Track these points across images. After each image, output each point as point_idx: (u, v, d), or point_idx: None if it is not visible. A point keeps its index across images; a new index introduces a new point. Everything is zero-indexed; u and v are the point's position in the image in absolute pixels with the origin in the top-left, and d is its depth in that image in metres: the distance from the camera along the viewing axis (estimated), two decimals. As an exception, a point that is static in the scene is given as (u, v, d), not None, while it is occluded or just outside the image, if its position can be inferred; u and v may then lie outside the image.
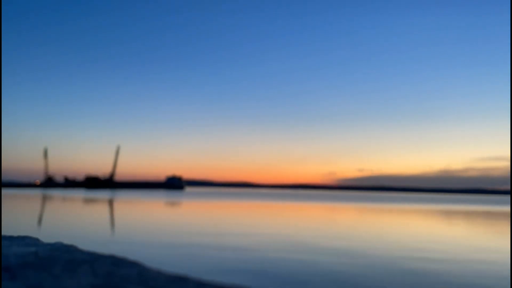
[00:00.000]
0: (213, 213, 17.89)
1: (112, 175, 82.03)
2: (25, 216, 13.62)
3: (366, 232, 10.75)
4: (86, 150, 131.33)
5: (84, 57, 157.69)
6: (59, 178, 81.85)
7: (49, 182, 79.97)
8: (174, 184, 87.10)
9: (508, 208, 30.54)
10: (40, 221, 12.00)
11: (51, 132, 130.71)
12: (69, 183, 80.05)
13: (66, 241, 2.49)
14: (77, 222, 12.16)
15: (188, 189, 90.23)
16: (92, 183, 78.83)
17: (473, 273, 5.49)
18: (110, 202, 25.53)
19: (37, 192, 43.34)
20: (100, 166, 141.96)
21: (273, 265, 5.68)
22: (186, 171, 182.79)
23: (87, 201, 26.65)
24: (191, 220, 13.57)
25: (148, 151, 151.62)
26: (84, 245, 2.58)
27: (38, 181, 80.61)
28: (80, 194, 40.81)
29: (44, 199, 28.12)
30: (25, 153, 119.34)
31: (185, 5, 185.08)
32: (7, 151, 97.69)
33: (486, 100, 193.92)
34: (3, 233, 2.79)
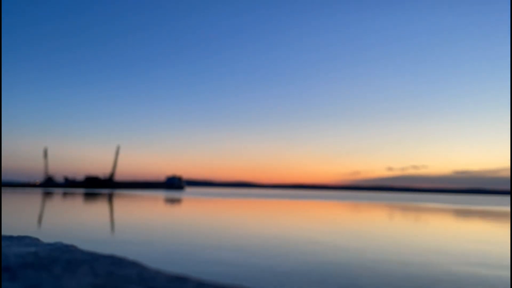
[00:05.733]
0: (213, 213, 17.89)
1: (112, 175, 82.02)
2: (25, 216, 13.62)
3: (369, 231, 10.75)
4: (86, 150, 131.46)
5: (84, 57, 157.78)
6: (59, 178, 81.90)
7: (49, 182, 79.97)
8: (174, 184, 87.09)
9: None
10: (40, 221, 12.00)
11: (51, 132, 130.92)
12: (69, 183, 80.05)
13: (66, 241, 2.49)
14: (77, 222, 12.16)
15: (188, 189, 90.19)
16: (92, 183, 78.84)
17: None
18: (110, 202, 25.53)
19: (37, 192, 43.33)
20: (100, 166, 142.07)
21: (274, 264, 5.68)
22: (186, 171, 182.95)
23: (87, 201, 26.64)
24: (191, 220, 13.56)
25: (148, 151, 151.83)
26: (84, 245, 2.58)
27: (38, 181, 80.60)
28: (80, 194, 40.80)
29: (44, 199, 28.11)
30: (25, 153, 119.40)
31: (185, 9, 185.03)
32: (7, 151, 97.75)
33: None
34: (3, 233, 2.79)
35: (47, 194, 37.76)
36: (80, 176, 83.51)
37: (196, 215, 16.49)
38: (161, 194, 47.65)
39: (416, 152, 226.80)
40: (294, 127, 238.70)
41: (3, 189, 51.07)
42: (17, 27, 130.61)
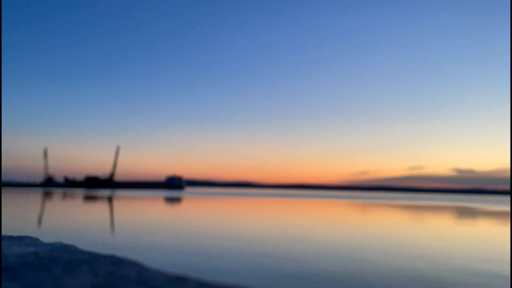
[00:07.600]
0: (213, 212, 17.89)
1: (112, 175, 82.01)
2: (25, 216, 13.62)
3: (368, 230, 10.75)
4: (86, 150, 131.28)
5: (84, 57, 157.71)
6: (59, 178, 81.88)
7: (49, 182, 79.96)
8: (174, 184, 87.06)
9: None
10: (40, 221, 12.00)
11: (51, 132, 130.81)
12: (69, 183, 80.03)
13: (66, 241, 2.49)
14: (77, 222, 12.16)
15: (188, 189, 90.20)
16: (92, 183, 78.82)
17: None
18: (110, 202, 25.53)
19: (37, 192, 43.33)
20: (100, 166, 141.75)
21: (275, 264, 5.68)
22: (186, 171, 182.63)
23: (87, 201, 26.65)
24: (191, 220, 13.56)
25: (148, 151, 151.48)
26: (84, 245, 2.58)
27: (38, 181, 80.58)
28: (80, 194, 40.81)
29: (44, 199, 28.12)
30: (25, 153, 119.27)
31: (185, 8, 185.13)
32: (7, 151, 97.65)
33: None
34: (3, 233, 2.79)
35: (47, 194, 37.77)
36: (80, 176, 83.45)
37: (196, 214, 16.49)
38: (161, 194, 47.65)
39: (423, 152, 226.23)
40: (297, 126, 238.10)
41: (3, 189, 51.07)
42: (17, 25, 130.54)
